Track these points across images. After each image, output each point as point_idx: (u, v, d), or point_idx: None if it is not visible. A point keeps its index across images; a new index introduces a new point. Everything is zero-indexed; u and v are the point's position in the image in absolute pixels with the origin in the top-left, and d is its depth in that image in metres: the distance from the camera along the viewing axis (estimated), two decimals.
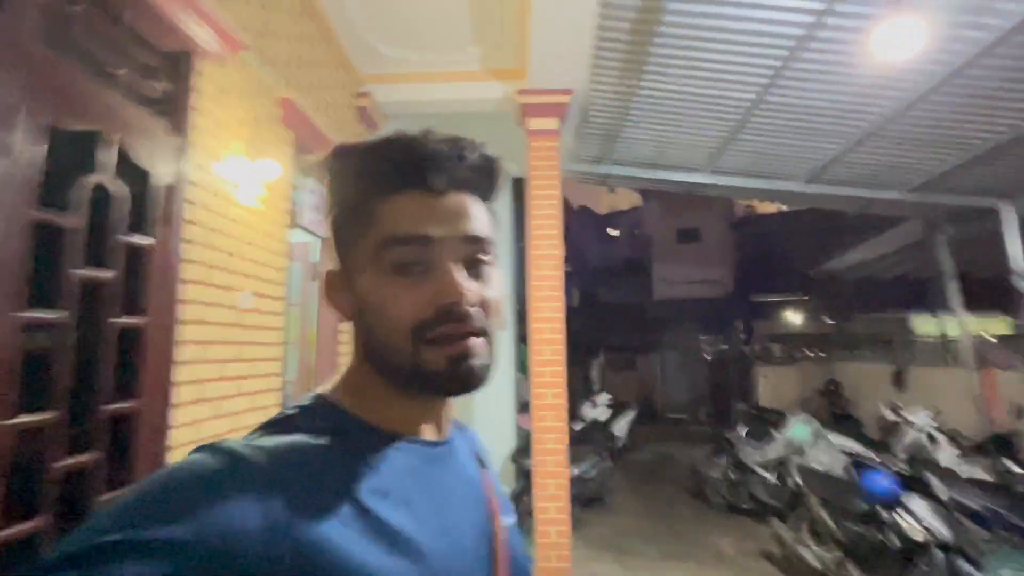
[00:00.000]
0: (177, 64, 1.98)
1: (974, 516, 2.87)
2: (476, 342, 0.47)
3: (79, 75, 1.49)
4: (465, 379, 0.47)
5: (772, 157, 4.09)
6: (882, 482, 2.83)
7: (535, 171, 3.80)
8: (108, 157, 1.60)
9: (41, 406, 1.41)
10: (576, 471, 4.92)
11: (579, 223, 22.16)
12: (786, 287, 12.02)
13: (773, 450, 4.56)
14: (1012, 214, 4.23)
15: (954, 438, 4.29)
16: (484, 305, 0.49)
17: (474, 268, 0.50)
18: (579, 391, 10.84)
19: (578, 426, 5.69)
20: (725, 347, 12.09)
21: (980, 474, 3.65)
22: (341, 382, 0.53)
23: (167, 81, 1.93)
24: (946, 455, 4.02)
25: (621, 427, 7.21)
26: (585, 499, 5.09)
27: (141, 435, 1.77)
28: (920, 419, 4.33)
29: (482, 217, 0.52)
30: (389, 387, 0.50)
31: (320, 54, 3.21)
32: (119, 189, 1.66)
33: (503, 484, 4.25)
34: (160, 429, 1.83)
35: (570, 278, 19.63)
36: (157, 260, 1.85)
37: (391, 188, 0.49)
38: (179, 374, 1.91)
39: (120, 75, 1.69)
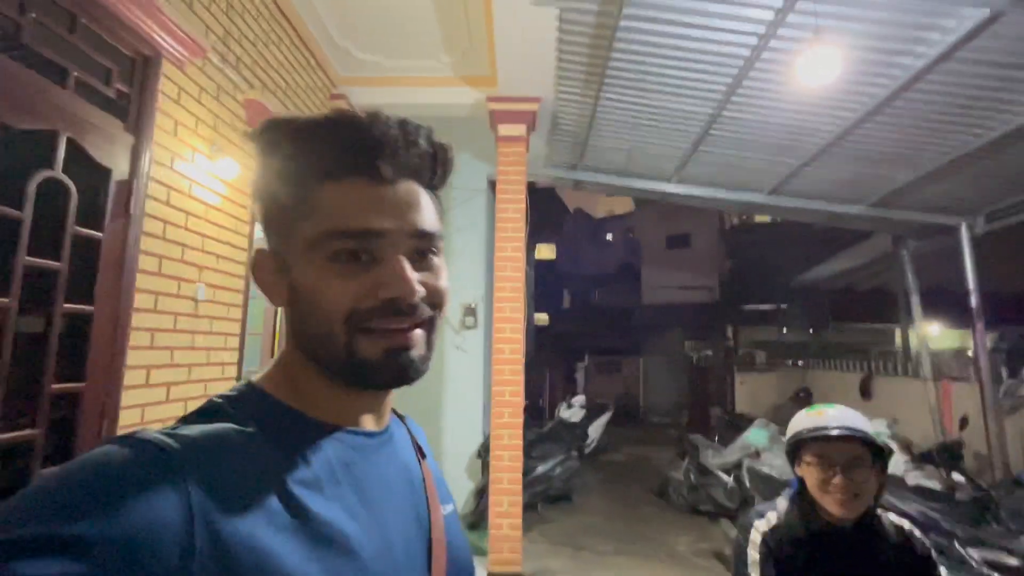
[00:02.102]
0: (137, 67, 2.10)
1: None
2: (416, 334, 0.47)
3: (29, 78, 1.60)
4: (402, 371, 0.46)
5: (735, 169, 4.21)
6: None
7: (503, 176, 3.93)
8: (58, 154, 1.71)
9: None
10: (541, 468, 5.03)
11: (574, 226, 22.32)
12: (772, 296, 12.16)
13: (731, 453, 4.68)
14: (967, 232, 4.35)
15: (908, 447, 4.42)
16: (431, 295, 0.48)
17: (421, 259, 0.48)
18: (562, 393, 10.97)
19: (546, 426, 5.80)
20: (710, 353, 12.22)
21: (927, 482, 3.78)
22: (274, 371, 0.50)
23: (126, 83, 2.05)
24: (896, 463, 4.15)
25: (596, 428, 7.33)
26: (550, 496, 5.21)
27: (88, 414, 1.89)
28: (876, 428, 4.46)
29: (431, 210, 0.50)
30: (323, 377, 0.48)
31: (292, 56, 3.34)
32: (69, 184, 1.77)
33: (470, 480, 4.31)
34: (107, 409, 1.95)
35: (563, 281, 19.72)
36: (108, 251, 1.96)
37: (334, 173, 0.46)
38: (129, 359, 2.03)
39: (76, 77, 1.80)
